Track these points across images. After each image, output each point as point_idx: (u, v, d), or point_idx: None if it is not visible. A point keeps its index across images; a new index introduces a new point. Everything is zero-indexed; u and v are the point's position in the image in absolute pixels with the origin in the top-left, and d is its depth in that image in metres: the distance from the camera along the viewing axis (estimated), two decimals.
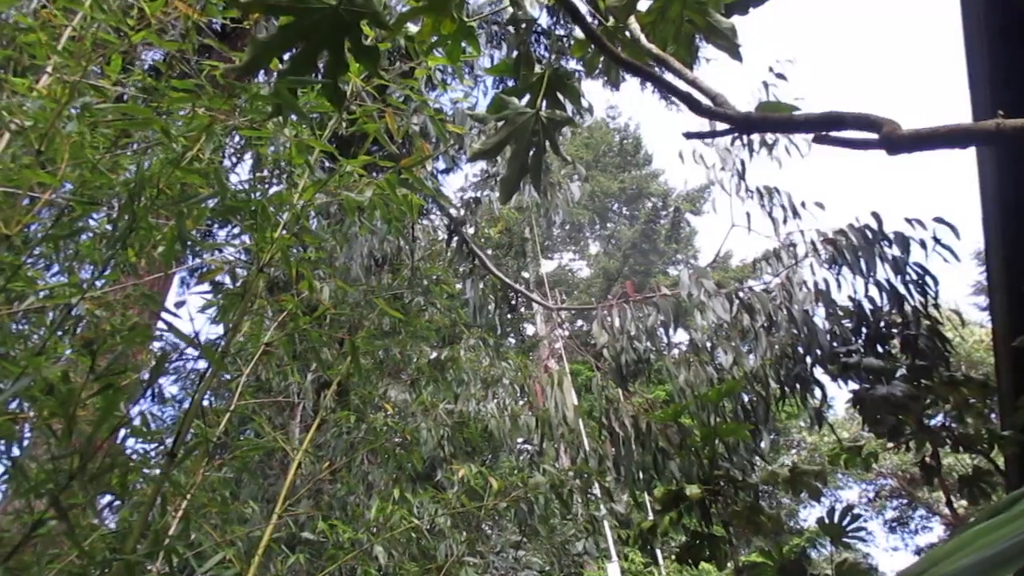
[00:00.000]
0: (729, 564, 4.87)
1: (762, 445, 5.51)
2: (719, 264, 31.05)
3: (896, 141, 1.71)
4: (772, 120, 2.05)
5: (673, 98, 2.20)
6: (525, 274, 30.77)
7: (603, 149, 38.92)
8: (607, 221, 40.29)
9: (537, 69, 2.97)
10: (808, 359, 5.31)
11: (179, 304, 2.86)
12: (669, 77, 2.52)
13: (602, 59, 2.88)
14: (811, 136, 1.94)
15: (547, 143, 2.89)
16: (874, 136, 1.78)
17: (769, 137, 6.33)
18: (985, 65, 4.01)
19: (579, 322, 30.32)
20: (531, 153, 2.90)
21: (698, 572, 15.25)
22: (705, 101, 2.21)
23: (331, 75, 2.20)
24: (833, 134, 1.87)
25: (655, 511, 4.62)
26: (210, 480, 4.39)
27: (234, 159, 7.00)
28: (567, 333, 22.16)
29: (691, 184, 37.06)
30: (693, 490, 4.44)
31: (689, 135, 2.26)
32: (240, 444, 3.64)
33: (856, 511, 5.00)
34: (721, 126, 2.10)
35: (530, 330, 27.80)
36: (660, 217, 37.01)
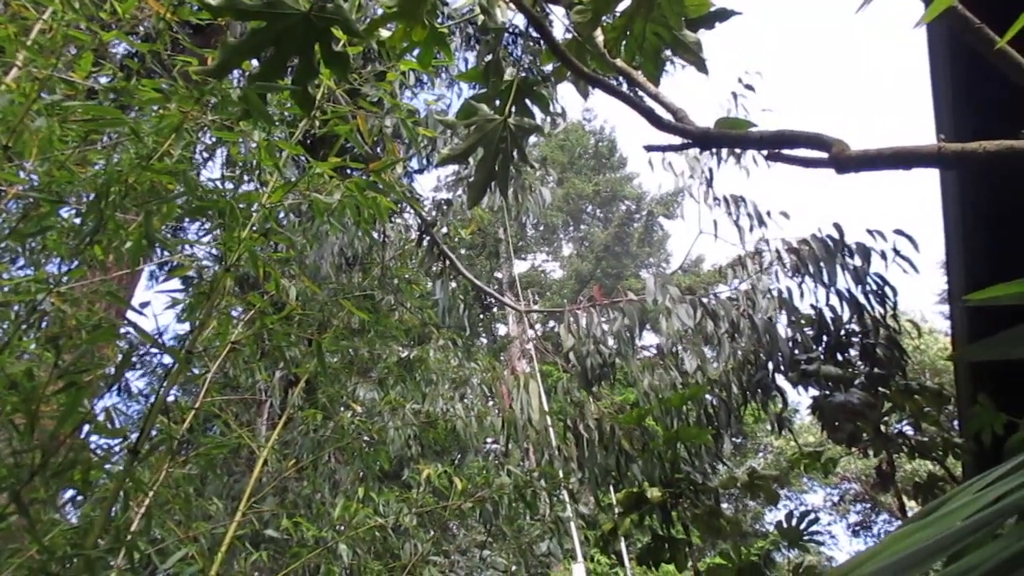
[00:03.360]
0: (689, 565, 4.95)
1: (724, 449, 5.60)
2: (690, 269, 31.30)
3: (844, 161, 1.79)
4: (729, 136, 2.12)
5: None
6: (498, 274, 30.84)
7: (578, 151, 39.05)
8: (581, 223, 40.43)
9: (509, 75, 3.02)
10: (770, 366, 5.42)
11: (144, 304, 2.87)
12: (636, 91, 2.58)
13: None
14: (764, 153, 2.02)
15: (515, 150, 2.94)
16: (824, 155, 1.85)
17: (736, 148, 6.43)
18: (949, 87, 4.12)
19: (550, 323, 30.45)
20: (499, 159, 2.94)
21: (660, 574, 15.39)
22: (667, 116, 2.27)
23: (301, 80, 2.23)
24: (785, 152, 1.95)
25: (617, 513, 4.69)
26: (174, 477, 4.39)
27: (204, 155, 6.98)
28: (537, 335, 22.24)
29: (665, 188, 37.30)
30: (654, 493, 4.52)
31: (650, 148, 2.32)
32: (205, 442, 3.64)
33: (814, 515, 5.11)
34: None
35: (502, 330, 27.88)
36: (633, 220, 37.22)
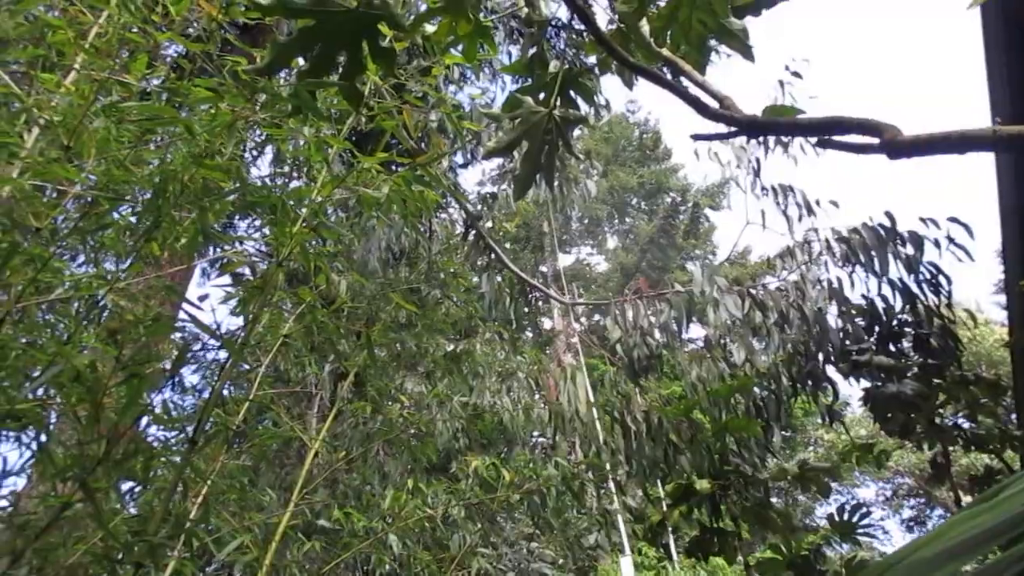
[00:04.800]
0: (739, 558, 4.91)
1: (774, 441, 5.54)
2: (737, 260, 30.94)
3: (896, 147, 1.76)
4: (776, 123, 2.10)
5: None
6: (543, 268, 30.84)
7: (622, 144, 38.81)
8: (625, 216, 40.21)
9: (554, 67, 3.02)
10: (820, 357, 5.34)
11: (202, 298, 2.94)
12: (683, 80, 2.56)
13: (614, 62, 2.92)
14: (814, 140, 1.99)
15: (560, 141, 2.94)
16: (875, 141, 1.82)
17: (784, 136, 6.34)
18: (1005, 71, 4.02)
19: (595, 317, 30.34)
20: (544, 151, 2.95)
21: (711, 568, 15.28)
22: (713, 104, 2.25)
23: (349, 76, 2.26)
24: (836, 138, 1.92)
25: (665, 505, 4.67)
26: (229, 468, 4.49)
27: (254, 153, 7.09)
28: (582, 328, 22.20)
29: (711, 179, 36.87)
30: (703, 484, 4.49)
31: (697, 137, 2.31)
32: (258, 433, 3.72)
33: (866, 508, 5.03)
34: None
35: (547, 324, 27.90)
36: (679, 212, 36.86)
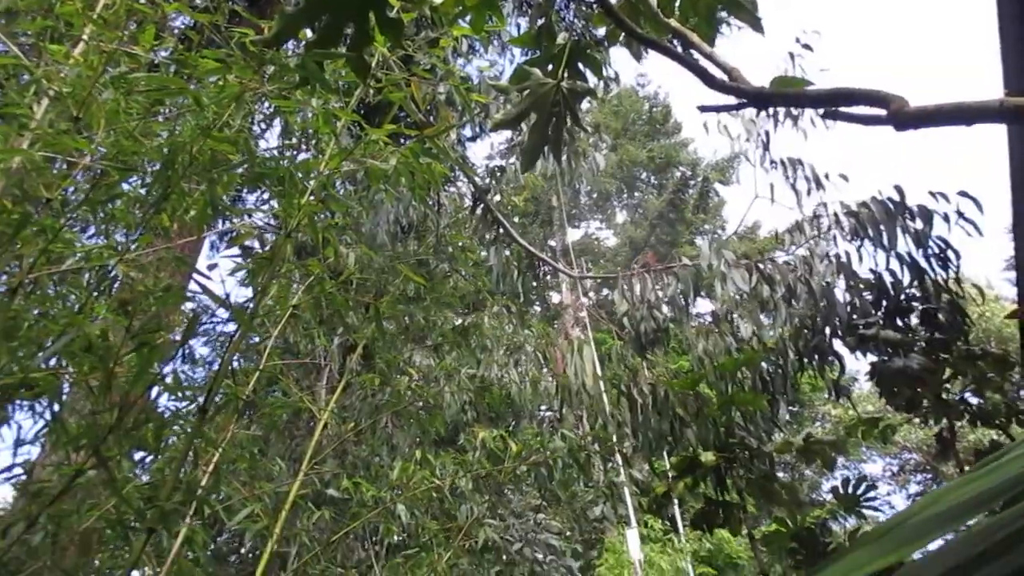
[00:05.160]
0: (743, 531, 4.96)
1: (780, 415, 5.57)
2: (747, 235, 30.81)
3: (903, 117, 1.75)
4: (784, 95, 2.09)
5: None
6: (551, 242, 30.80)
7: (632, 117, 38.54)
8: (635, 190, 40.04)
9: (562, 39, 3.01)
10: (827, 331, 5.34)
11: (211, 267, 2.96)
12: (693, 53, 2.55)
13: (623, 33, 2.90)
14: (822, 111, 1.99)
15: (568, 114, 2.94)
16: (882, 112, 1.82)
17: (794, 108, 6.30)
18: (1019, 42, 3.97)
19: (604, 291, 30.33)
20: (552, 123, 2.94)
21: (717, 540, 15.39)
22: (720, 75, 2.25)
23: (356, 47, 2.27)
24: (842, 109, 1.92)
25: (670, 477, 4.71)
26: (239, 438, 4.54)
27: (262, 126, 7.09)
28: (591, 302, 22.20)
29: (720, 154, 36.60)
30: (708, 457, 4.52)
31: (704, 108, 2.31)
32: (268, 403, 3.76)
33: (871, 483, 5.06)
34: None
35: (555, 298, 27.90)
36: (688, 187, 36.65)
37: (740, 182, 35.79)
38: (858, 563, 0.88)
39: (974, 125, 1.72)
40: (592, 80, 3.07)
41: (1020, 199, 4.62)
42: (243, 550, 10.46)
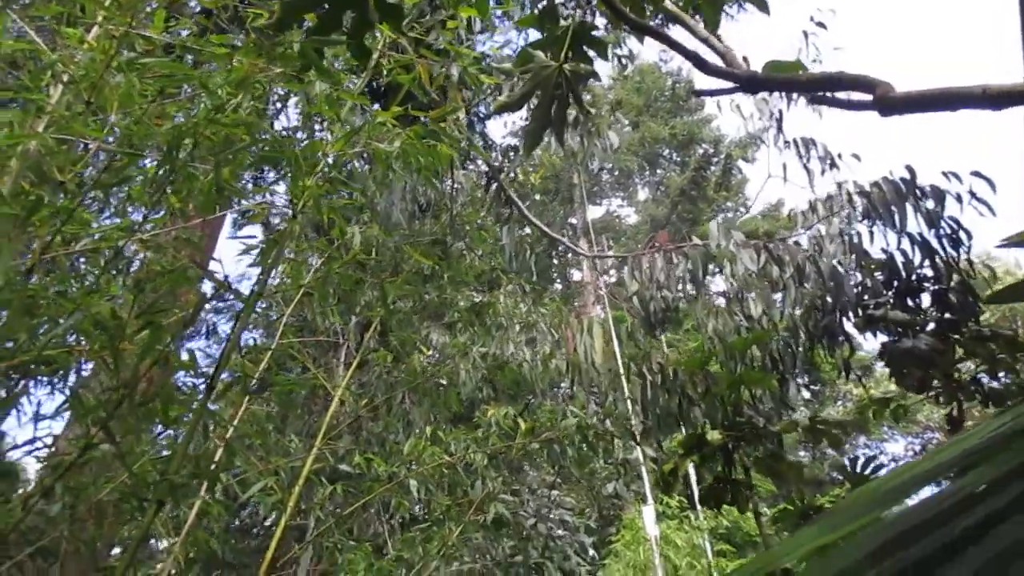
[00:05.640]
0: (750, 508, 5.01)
1: (789, 395, 5.59)
2: (770, 213, 30.54)
3: (887, 103, 1.78)
4: (775, 80, 2.11)
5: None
6: (572, 220, 30.76)
7: (654, 94, 38.20)
8: (657, 167, 39.78)
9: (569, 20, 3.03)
10: (837, 311, 5.35)
11: (234, 236, 3.03)
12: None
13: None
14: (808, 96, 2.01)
15: (570, 96, 2.97)
16: (868, 97, 1.84)
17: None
18: None
19: (624, 268, 30.23)
20: (554, 106, 2.98)
21: (734, 517, 15.45)
22: (716, 59, 2.27)
23: (356, 34, 2.31)
24: (829, 95, 1.94)
25: (678, 455, 4.77)
26: (256, 415, 4.65)
27: (279, 105, 7.15)
28: (610, 280, 22.21)
29: (744, 131, 36.18)
30: (715, 436, 4.57)
31: (697, 93, 2.33)
32: (279, 381, 3.85)
33: (880, 462, 5.08)
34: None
35: (576, 276, 27.91)
36: (711, 164, 36.35)
37: (751, 162, 35.34)
38: (808, 538, 0.94)
39: (958, 111, 1.74)
40: (599, 62, 3.09)
41: None
42: (267, 522, 10.66)
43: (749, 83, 2.13)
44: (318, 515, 5.05)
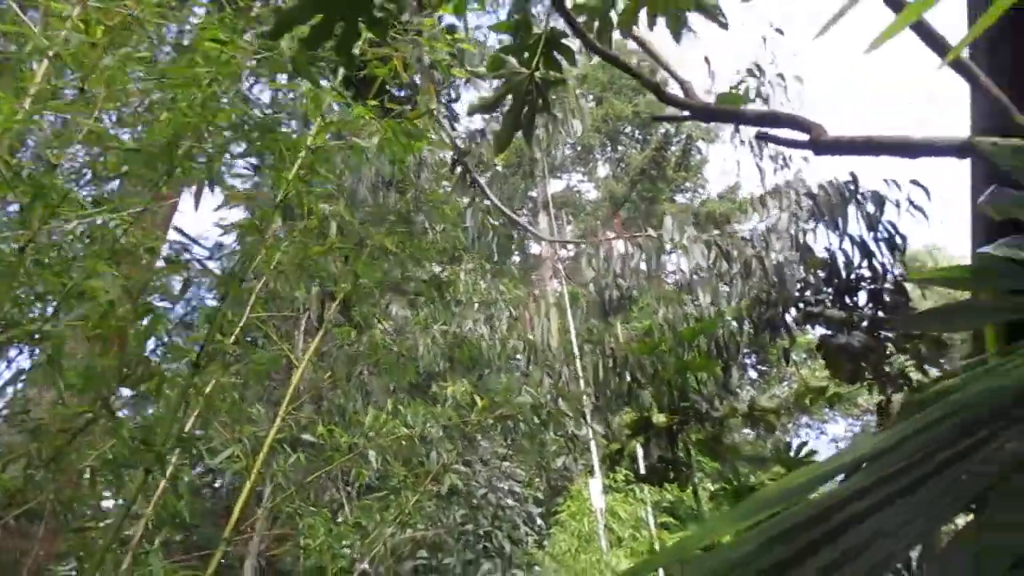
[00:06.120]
0: (691, 488, 5.33)
1: (732, 382, 5.92)
2: (727, 196, 31.02)
3: (820, 145, 2.02)
4: (725, 112, 2.35)
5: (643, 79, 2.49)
6: (532, 193, 30.89)
7: (619, 72, 38.20)
8: (618, 144, 39.98)
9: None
10: (780, 305, 5.67)
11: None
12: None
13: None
14: (754, 132, 2.25)
15: (540, 101, 3.18)
16: (804, 137, 2.08)
17: (764, 90, 6.55)
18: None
19: (582, 246, 30.49)
20: (524, 112, 3.19)
21: (677, 494, 15.95)
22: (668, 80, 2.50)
23: (344, 45, 2.49)
24: (772, 132, 2.17)
25: (625, 435, 5.07)
26: (224, 385, 4.81)
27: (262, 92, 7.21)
28: (568, 253, 22.45)
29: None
30: (660, 418, 4.87)
31: (656, 119, 2.58)
32: (255, 358, 4.02)
33: (811, 447, 5.44)
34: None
35: (535, 249, 28.11)
36: (671, 144, 36.67)
37: (720, 139, 35.73)
38: (718, 525, 1.18)
39: (880, 156, 1.99)
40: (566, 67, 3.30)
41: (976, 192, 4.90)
42: (217, 484, 10.78)
43: (702, 113, 2.37)
44: (279, 481, 5.24)
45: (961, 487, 1.10)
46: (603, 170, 40.33)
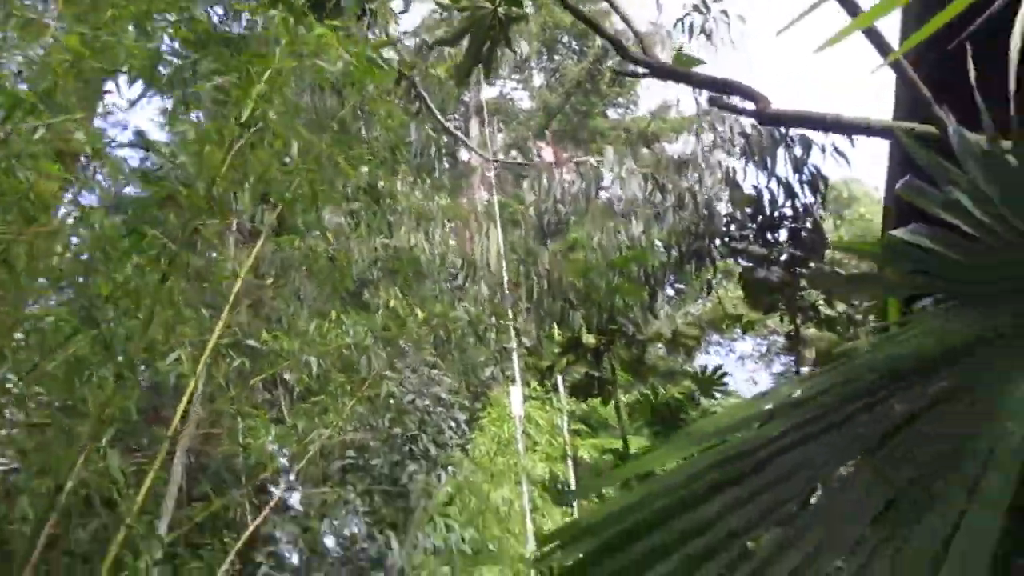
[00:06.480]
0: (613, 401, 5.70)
1: (657, 306, 6.28)
2: (659, 115, 31.24)
3: (764, 116, 2.24)
4: (682, 73, 2.53)
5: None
6: (465, 98, 30.45)
7: None
8: (555, 54, 39.50)
9: None
10: (707, 238, 5.99)
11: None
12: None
13: None
14: (707, 97, 2.45)
15: (502, 37, 3.30)
16: (751, 106, 2.29)
17: (708, 25, 6.70)
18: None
19: (512, 153, 30.43)
20: (486, 46, 3.31)
21: (592, 404, 16.67)
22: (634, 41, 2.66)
23: None
24: (725, 100, 2.38)
25: (556, 352, 5.38)
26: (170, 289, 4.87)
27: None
28: (498, 165, 22.41)
29: (644, 28, 36.20)
30: (589, 339, 5.19)
31: (618, 72, 2.74)
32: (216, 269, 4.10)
33: (724, 371, 5.87)
34: None
35: (464, 156, 27.94)
36: (608, 57, 36.42)
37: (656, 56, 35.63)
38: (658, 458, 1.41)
39: (816, 130, 2.21)
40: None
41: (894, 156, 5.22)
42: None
43: (660, 72, 2.55)
44: (221, 384, 5.37)
45: (862, 435, 1.37)
46: (538, 79, 39.88)
